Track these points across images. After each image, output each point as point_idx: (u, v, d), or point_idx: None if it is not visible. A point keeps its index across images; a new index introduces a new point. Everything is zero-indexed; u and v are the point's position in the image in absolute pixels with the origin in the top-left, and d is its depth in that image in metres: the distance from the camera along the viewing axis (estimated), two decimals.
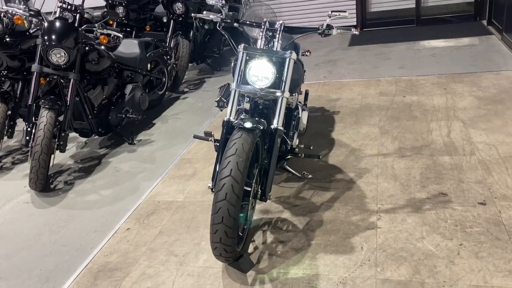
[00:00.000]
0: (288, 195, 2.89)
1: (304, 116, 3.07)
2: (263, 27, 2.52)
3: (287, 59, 2.41)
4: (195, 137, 2.98)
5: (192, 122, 4.46)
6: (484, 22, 6.52)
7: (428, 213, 2.51)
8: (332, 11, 2.50)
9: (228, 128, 2.37)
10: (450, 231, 2.35)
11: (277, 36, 2.49)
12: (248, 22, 2.63)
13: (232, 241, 2.06)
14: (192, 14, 2.67)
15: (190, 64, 5.87)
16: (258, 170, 2.37)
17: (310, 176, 3.05)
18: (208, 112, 4.64)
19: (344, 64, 5.50)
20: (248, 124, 2.20)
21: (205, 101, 5.01)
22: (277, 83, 2.39)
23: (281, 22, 2.53)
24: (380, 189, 2.82)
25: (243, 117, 2.38)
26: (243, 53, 2.43)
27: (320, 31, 2.53)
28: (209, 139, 2.75)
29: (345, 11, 2.50)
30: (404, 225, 2.45)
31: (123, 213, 2.99)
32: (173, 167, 3.53)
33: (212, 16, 2.61)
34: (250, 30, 2.67)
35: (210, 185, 2.37)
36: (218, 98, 2.85)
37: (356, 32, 2.51)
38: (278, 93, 2.38)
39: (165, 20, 5.43)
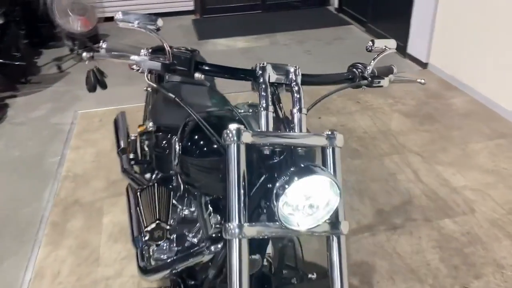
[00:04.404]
0: None
1: None
2: (260, 77, 1.13)
3: (330, 149, 1.12)
4: None
5: (16, 196, 2.59)
6: (331, 8, 6.09)
7: None
8: (373, 43, 1.28)
9: None
10: None
11: (297, 95, 1.17)
12: (224, 68, 1.18)
13: None
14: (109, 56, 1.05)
15: None
16: None
17: None
18: (38, 170, 2.81)
19: None
20: None
21: (23, 145, 3.09)
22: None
23: (295, 67, 1.21)
24: None
25: None
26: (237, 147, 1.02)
27: (365, 82, 1.30)
28: None
29: (391, 40, 1.34)
30: None
31: None
32: None
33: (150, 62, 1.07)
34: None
35: None
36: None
37: (423, 81, 1.39)
38: (337, 231, 1.09)
39: None
